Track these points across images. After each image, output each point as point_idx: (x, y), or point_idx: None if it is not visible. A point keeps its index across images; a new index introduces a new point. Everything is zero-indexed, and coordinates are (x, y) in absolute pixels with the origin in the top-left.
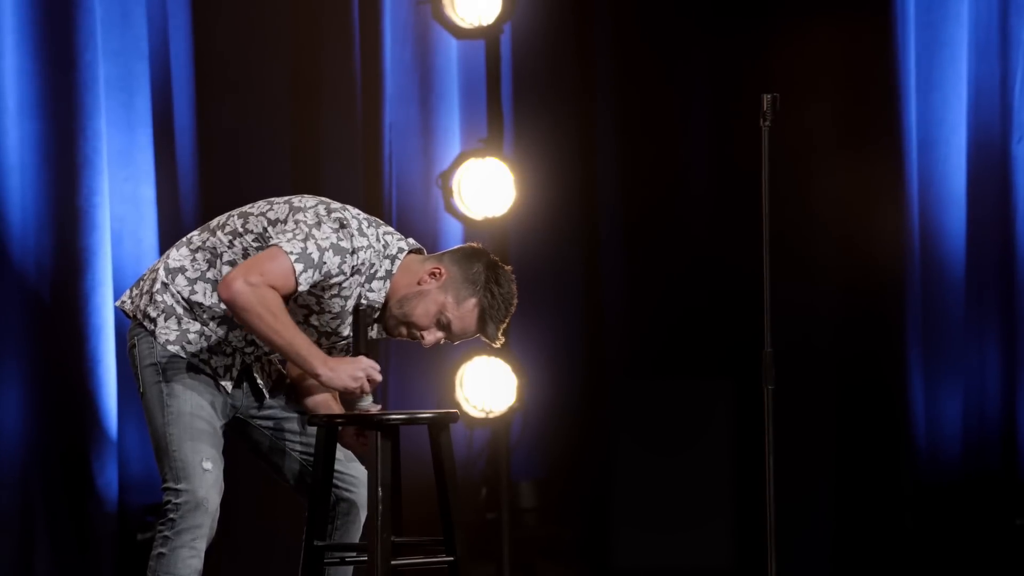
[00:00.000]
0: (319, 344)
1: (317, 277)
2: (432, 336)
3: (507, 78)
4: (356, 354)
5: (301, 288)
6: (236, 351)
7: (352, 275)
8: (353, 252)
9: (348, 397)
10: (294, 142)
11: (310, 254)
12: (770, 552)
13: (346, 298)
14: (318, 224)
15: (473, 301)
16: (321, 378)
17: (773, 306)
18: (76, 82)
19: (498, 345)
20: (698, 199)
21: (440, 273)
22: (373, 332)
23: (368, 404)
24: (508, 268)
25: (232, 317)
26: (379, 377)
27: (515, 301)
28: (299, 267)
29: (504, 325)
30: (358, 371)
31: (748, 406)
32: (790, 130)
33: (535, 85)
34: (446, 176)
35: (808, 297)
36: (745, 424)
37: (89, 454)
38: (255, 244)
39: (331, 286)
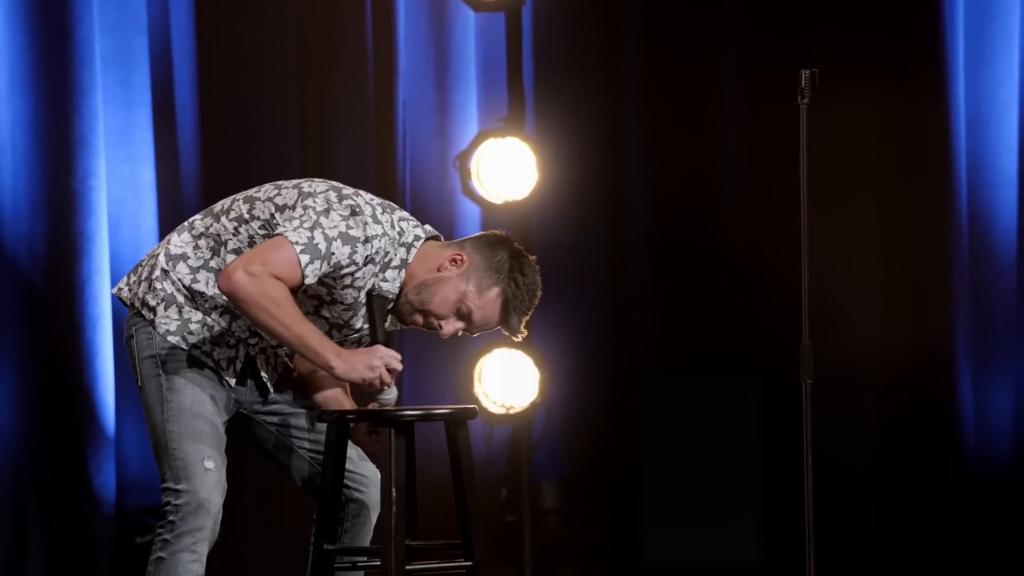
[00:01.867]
0: (330, 336)
1: (325, 268)
2: (451, 326)
3: (528, 53)
4: (373, 343)
5: (308, 281)
6: (240, 342)
7: (365, 265)
8: (366, 241)
9: (368, 390)
10: (302, 121)
11: (317, 244)
12: (808, 552)
13: (359, 289)
14: (327, 211)
15: (496, 290)
16: (335, 371)
17: (811, 295)
18: (71, 57)
19: (520, 338)
20: (731, 181)
21: (461, 260)
22: (387, 323)
23: (390, 397)
24: (532, 258)
25: None
26: (399, 366)
27: (539, 292)
28: (304, 258)
29: (527, 317)
30: (375, 361)
31: (779, 401)
32: (829, 108)
33: (558, 61)
34: (464, 157)
35: (847, 285)
36: (776, 419)
37: (85, 452)
38: (261, 231)
39: (342, 276)
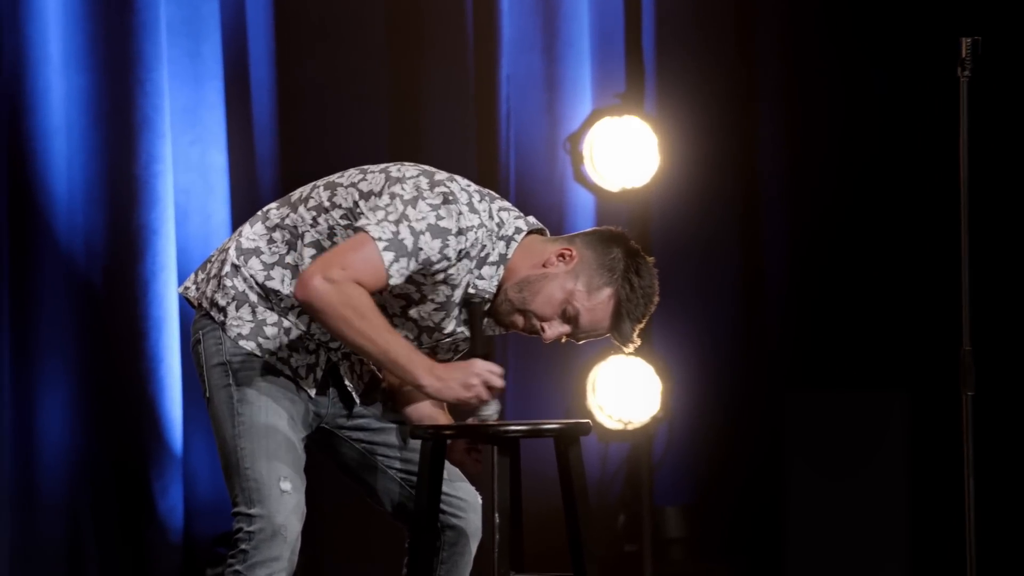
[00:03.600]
0: (419, 342)
1: (413, 266)
2: (554, 330)
3: (649, 21)
4: (472, 355)
5: (393, 281)
6: (320, 347)
7: (459, 259)
8: (459, 233)
9: (463, 407)
10: (392, 98)
11: (403, 240)
12: None
13: (454, 286)
14: (415, 200)
15: (608, 291)
16: (427, 389)
17: (972, 297)
18: (133, 26)
19: (631, 349)
20: (879, 166)
21: (570, 255)
22: (483, 326)
23: (492, 412)
24: (651, 259)
25: None
26: (499, 382)
27: (656, 298)
28: (388, 256)
29: (641, 325)
30: (471, 377)
31: (929, 417)
32: (994, 82)
33: (682, 29)
34: (575, 139)
35: (1011, 285)
36: (926, 438)
37: (149, 473)
38: (343, 222)
39: (434, 272)
